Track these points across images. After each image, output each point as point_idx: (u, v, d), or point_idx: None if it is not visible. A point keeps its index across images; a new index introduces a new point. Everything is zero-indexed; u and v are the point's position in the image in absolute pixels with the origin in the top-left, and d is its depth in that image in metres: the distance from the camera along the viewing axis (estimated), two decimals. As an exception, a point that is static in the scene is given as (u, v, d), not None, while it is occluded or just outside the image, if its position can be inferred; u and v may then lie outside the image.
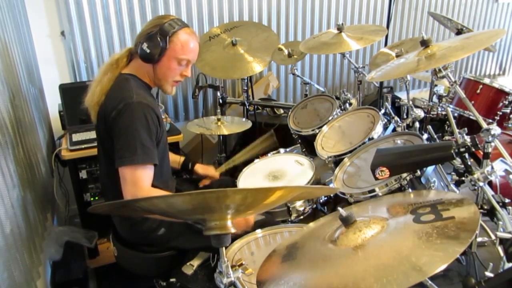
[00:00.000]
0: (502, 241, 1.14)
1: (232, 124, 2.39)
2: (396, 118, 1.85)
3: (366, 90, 3.72)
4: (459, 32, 2.48)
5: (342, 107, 2.10)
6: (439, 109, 2.30)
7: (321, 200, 1.97)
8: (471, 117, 2.41)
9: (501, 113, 2.46)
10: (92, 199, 2.28)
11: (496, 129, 1.17)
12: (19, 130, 1.70)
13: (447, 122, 2.41)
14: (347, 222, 0.93)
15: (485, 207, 1.27)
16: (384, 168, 1.16)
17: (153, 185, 1.46)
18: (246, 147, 2.16)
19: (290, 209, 1.74)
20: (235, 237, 1.45)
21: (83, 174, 2.22)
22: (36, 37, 2.48)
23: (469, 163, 1.23)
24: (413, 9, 3.65)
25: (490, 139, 1.19)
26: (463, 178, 1.27)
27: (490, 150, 1.22)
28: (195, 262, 1.58)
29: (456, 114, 2.50)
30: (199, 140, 2.86)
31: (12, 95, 1.67)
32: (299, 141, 2.13)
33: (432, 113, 2.26)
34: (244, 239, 1.46)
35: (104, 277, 2.30)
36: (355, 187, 1.55)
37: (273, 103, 3.11)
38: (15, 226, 1.40)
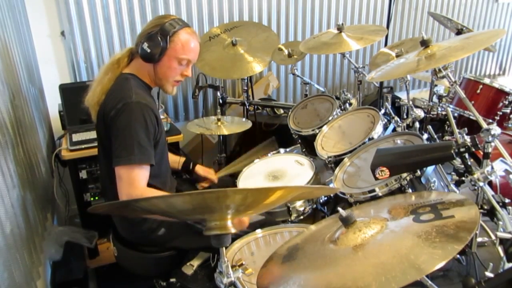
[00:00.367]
0: (502, 241, 1.14)
1: (232, 124, 2.39)
2: (396, 118, 1.85)
3: (366, 90, 3.72)
4: (459, 32, 2.48)
5: (342, 107, 2.10)
6: (439, 109, 2.30)
7: (321, 200, 1.97)
8: (471, 117, 2.41)
9: (501, 113, 2.45)
10: (92, 199, 2.28)
11: (496, 129, 1.17)
12: (19, 130, 1.70)
13: (447, 122, 2.41)
14: (347, 222, 0.94)
15: (485, 207, 1.28)
16: (384, 168, 1.17)
17: (151, 185, 1.46)
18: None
19: (290, 209, 1.73)
20: (235, 237, 1.45)
21: (83, 174, 2.22)
22: (36, 37, 2.48)
23: (469, 163, 1.23)
24: (413, 9, 3.65)
25: (490, 139, 1.19)
26: (463, 178, 1.27)
27: (490, 150, 1.22)
28: (195, 262, 1.58)
29: (456, 114, 2.50)
30: (199, 140, 2.86)
31: (12, 95, 1.67)
32: (299, 141, 2.13)
33: (432, 113, 2.26)
34: (244, 239, 1.46)
35: (104, 277, 2.30)
36: (355, 187, 1.55)
37: (273, 103, 3.11)
38: (15, 226, 1.40)
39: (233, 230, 0.93)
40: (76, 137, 2.22)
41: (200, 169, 1.96)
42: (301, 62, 3.34)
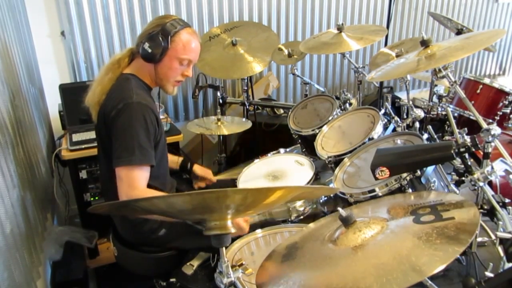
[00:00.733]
0: (502, 241, 1.14)
1: (232, 124, 2.39)
2: (396, 118, 1.85)
3: (366, 90, 3.72)
4: (459, 32, 2.48)
5: (342, 107, 2.10)
6: (439, 109, 2.30)
7: (321, 200, 1.97)
8: (471, 117, 2.40)
9: (501, 113, 2.45)
10: (92, 199, 2.28)
11: (496, 129, 1.17)
12: (19, 130, 1.70)
13: (447, 122, 2.41)
14: (347, 222, 0.93)
15: (485, 207, 1.27)
16: (384, 168, 1.16)
17: (150, 186, 1.46)
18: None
19: (290, 209, 1.73)
20: (235, 237, 1.45)
21: (83, 174, 2.22)
22: (36, 37, 2.48)
23: (469, 163, 1.23)
24: (413, 9, 3.65)
25: (490, 139, 1.19)
26: (463, 178, 1.27)
27: (490, 150, 1.22)
28: (195, 262, 1.58)
29: (456, 114, 2.50)
30: (199, 140, 2.86)
31: (12, 95, 1.67)
32: (299, 141, 2.13)
33: (432, 113, 2.26)
34: (244, 239, 1.46)
35: (104, 277, 2.30)
36: (355, 187, 1.55)
37: (273, 103, 3.11)
38: (15, 226, 1.40)
39: (233, 230, 0.93)
40: (76, 137, 2.22)
41: (198, 169, 1.96)
42: (301, 62, 3.34)
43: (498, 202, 1.25)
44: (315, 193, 1.51)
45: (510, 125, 2.51)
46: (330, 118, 2.00)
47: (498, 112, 2.45)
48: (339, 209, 0.95)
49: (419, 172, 1.43)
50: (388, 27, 3.11)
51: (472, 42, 1.45)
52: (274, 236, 1.48)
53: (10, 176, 1.44)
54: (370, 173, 1.19)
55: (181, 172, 1.97)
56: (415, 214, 0.93)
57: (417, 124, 1.79)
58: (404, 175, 1.42)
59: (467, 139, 1.16)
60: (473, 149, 1.14)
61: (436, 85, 2.44)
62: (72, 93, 2.26)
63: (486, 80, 2.47)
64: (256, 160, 2.01)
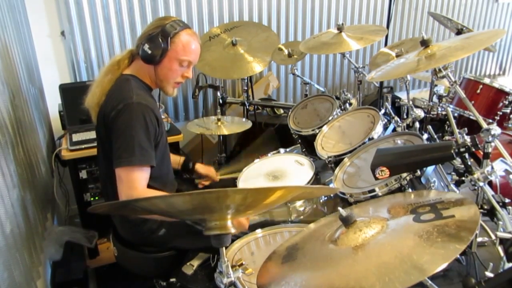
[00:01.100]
0: (502, 241, 1.14)
1: (232, 124, 2.39)
2: (396, 118, 1.85)
3: (366, 90, 3.72)
4: (459, 32, 2.48)
5: (342, 107, 2.10)
6: (439, 109, 2.30)
7: (321, 200, 1.97)
8: (471, 117, 2.40)
9: (501, 113, 2.45)
10: (92, 199, 2.28)
11: (496, 129, 1.17)
12: (19, 130, 1.70)
13: (447, 122, 2.41)
14: (347, 222, 0.93)
15: (485, 207, 1.27)
16: (384, 168, 1.16)
17: (150, 186, 1.46)
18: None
19: (290, 209, 1.73)
20: (235, 237, 1.45)
21: (83, 174, 2.22)
22: (36, 37, 2.48)
23: (469, 163, 1.23)
24: (413, 9, 3.65)
25: (490, 139, 1.19)
26: (463, 178, 1.27)
27: (490, 150, 1.22)
28: (195, 262, 1.58)
29: (456, 114, 2.50)
30: (199, 140, 2.86)
31: (12, 95, 1.67)
32: (299, 141, 2.13)
33: (432, 113, 2.26)
34: (244, 239, 1.46)
35: (104, 277, 2.30)
36: (355, 187, 1.55)
37: (273, 103, 3.11)
38: (15, 226, 1.40)
39: (233, 230, 0.93)
40: (76, 137, 2.22)
41: (201, 168, 1.96)
42: (301, 62, 3.34)
43: (498, 202, 1.25)
44: (315, 193, 1.51)
45: (510, 125, 2.52)
46: (330, 118, 2.00)
47: (498, 112, 2.45)
48: (339, 209, 0.95)
49: (419, 172, 1.43)
50: (388, 27, 3.11)
51: (472, 42, 1.45)
52: (274, 236, 1.48)
53: (10, 176, 1.44)
54: (370, 173, 1.19)
55: (183, 172, 1.97)
56: (415, 212, 0.93)
57: (417, 124, 1.79)
58: (404, 175, 1.42)
59: (467, 139, 1.16)
60: (473, 149, 1.14)
61: (436, 85, 2.44)
62: (72, 93, 2.26)
63: (486, 80, 2.47)
64: (256, 160, 2.01)
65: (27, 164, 1.76)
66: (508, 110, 2.47)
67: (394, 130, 1.85)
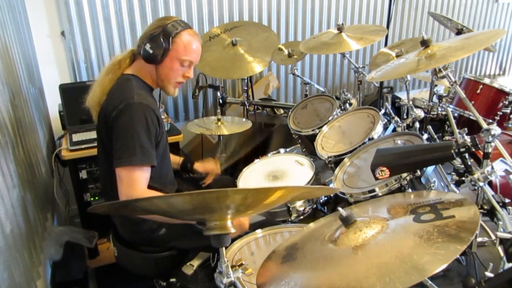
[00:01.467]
0: (502, 241, 1.14)
1: (232, 124, 2.39)
2: (396, 118, 1.85)
3: (366, 90, 3.72)
4: (459, 32, 2.48)
5: (342, 107, 2.10)
6: (439, 109, 2.30)
7: (321, 200, 1.97)
8: (471, 117, 2.41)
9: (501, 113, 2.45)
10: (92, 199, 2.28)
11: (496, 129, 1.17)
12: (19, 130, 1.70)
13: (447, 122, 2.41)
14: (347, 222, 0.93)
15: (485, 207, 1.28)
16: (384, 168, 1.17)
17: (152, 186, 1.46)
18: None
19: (290, 209, 1.73)
20: (235, 237, 1.45)
21: (83, 174, 2.22)
22: (36, 37, 2.48)
23: (469, 163, 1.23)
24: (413, 9, 3.65)
25: (490, 139, 1.19)
26: (463, 178, 1.27)
27: (490, 150, 1.22)
28: (195, 262, 1.58)
29: (456, 114, 2.50)
30: (199, 140, 2.86)
31: (12, 95, 1.67)
32: (299, 141, 2.13)
33: (432, 113, 2.26)
34: (244, 239, 1.46)
35: (104, 277, 2.30)
36: (355, 187, 1.55)
37: (273, 103, 3.11)
38: (15, 226, 1.40)
39: (233, 230, 0.93)
40: (76, 137, 2.22)
41: (199, 167, 1.95)
42: (301, 62, 3.34)
43: (498, 202, 1.25)
44: (315, 193, 1.51)
45: (510, 125, 2.52)
46: (330, 118, 2.00)
47: (498, 112, 2.45)
48: (339, 208, 0.95)
49: (419, 172, 1.43)
50: (388, 27, 3.10)
51: (472, 42, 1.45)
52: (274, 236, 1.48)
53: (10, 176, 1.44)
54: (370, 173, 1.19)
55: (182, 172, 1.97)
56: (415, 213, 0.93)
57: (417, 124, 1.79)
58: (404, 175, 1.42)
59: (467, 139, 1.16)
60: (473, 149, 1.14)
61: (436, 85, 2.44)
62: (72, 93, 2.26)
63: (486, 80, 2.47)
64: (256, 160, 2.01)
65: (27, 164, 1.76)
66: (508, 110, 2.47)
67: (394, 130, 1.85)
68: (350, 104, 2.13)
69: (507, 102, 2.44)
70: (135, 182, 1.39)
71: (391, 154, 1.21)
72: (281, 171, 1.86)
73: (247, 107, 2.72)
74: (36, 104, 2.25)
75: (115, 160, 1.40)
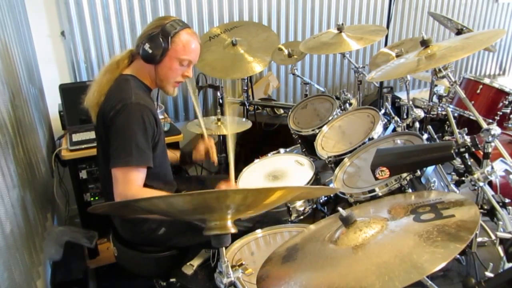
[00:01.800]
0: (502, 241, 1.14)
1: (232, 124, 2.38)
2: (396, 118, 1.85)
3: (366, 90, 3.72)
4: (459, 32, 2.48)
5: (342, 107, 2.10)
6: (439, 109, 2.30)
7: (321, 200, 1.97)
8: (471, 117, 2.40)
9: (501, 113, 2.45)
10: (92, 199, 2.28)
11: (496, 129, 1.17)
12: (19, 130, 1.70)
13: (447, 122, 2.41)
14: (347, 222, 0.93)
15: (485, 207, 1.27)
16: (384, 168, 1.16)
17: (151, 187, 1.46)
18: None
19: (290, 209, 1.73)
20: (235, 237, 1.45)
21: (83, 174, 2.22)
22: (36, 37, 2.48)
23: (469, 163, 1.23)
24: (413, 9, 3.65)
25: (490, 139, 1.19)
26: (463, 178, 1.27)
27: (490, 150, 1.22)
28: (195, 262, 1.58)
29: (456, 114, 2.50)
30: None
31: (12, 95, 1.67)
32: (299, 141, 2.13)
33: (432, 113, 2.26)
34: (244, 239, 1.46)
35: (104, 277, 2.30)
36: (355, 187, 1.55)
37: (273, 103, 3.11)
38: (15, 226, 1.40)
39: (233, 230, 0.93)
40: (76, 137, 2.22)
41: (198, 155, 1.92)
42: (301, 62, 3.34)
43: (498, 202, 1.25)
44: (315, 193, 1.51)
45: (510, 125, 2.51)
46: (330, 118, 2.00)
47: (498, 112, 2.45)
48: (339, 208, 0.95)
49: (419, 172, 1.43)
50: (388, 27, 3.10)
51: (472, 42, 1.45)
52: (274, 236, 1.48)
53: (10, 176, 1.44)
54: (370, 173, 1.19)
55: (183, 165, 1.95)
56: (415, 212, 0.93)
57: (417, 124, 1.79)
58: (404, 175, 1.42)
59: (467, 139, 1.16)
60: (473, 149, 1.14)
61: (436, 85, 2.44)
62: (72, 93, 2.26)
63: (486, 80, 2.47)
64: (256, 160, 2.01)
65: (27, 164, 1.76)
66: (508, 110, 2.47)
67: (394, 130, 1.85)
68: (350, 104, 2.13)
69: (507, 102, 2.44)
70: (131, 183, 1.39)
71: (391, 154, 1.21)
72: (281, 171, 1.86)
73: (247, 107, 2.72)
74: (36, 104, 2.25)
75: (112, 160, 1.40)
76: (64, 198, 2.46)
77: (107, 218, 1.67)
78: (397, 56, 2.38)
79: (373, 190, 1.46)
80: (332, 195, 1.94)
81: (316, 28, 3.30)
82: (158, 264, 1.65)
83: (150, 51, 1.49)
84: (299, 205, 1.75)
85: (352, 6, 3.37)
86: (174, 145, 2.35)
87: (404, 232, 0.87)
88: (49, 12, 2.48)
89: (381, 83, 2.83)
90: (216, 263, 1.29)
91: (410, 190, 1.44)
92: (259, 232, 1.49)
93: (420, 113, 1.77)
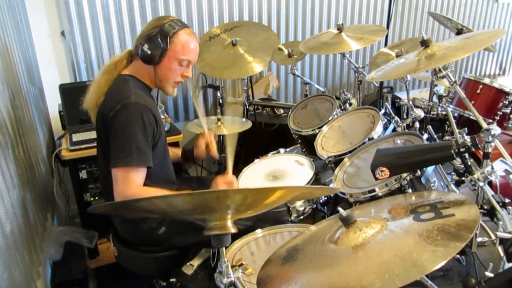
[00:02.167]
0: (502, 241, 1.14)
1: (232, 124, 2.39)
2: (396, 118, 1.85)
3: (366, 90, 3.72)
4: (459, 32, 2.48)
5: (342, 107, 2.10)
6: (439, 109, 2.30)
7: (321, 200, 1.97)
8: (471, 117, 2.40)
9: (501, 113, 2.45)
10: (92, 199, 2.28)
11: (496, 129, 1.17)
12: (19, 130, 1.70)
13: (447, 122, 2.41)
14: (347, 222, 0.94)
15: (485, 207, 1.27)
16: (384, 168, 1.16)
17: (152, 186, 1.46)
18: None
19: (290, 209, 1.73)
20: (235, 237, 1.45)
21: (83, 174, 2.22)
22: (36, 37, 2.48)
23: (469, 163, 1.23)
24: (413, 9, 3.65)
25: (490, 139, 1.19)
26: (463, 178, 1.27)
27: (490, 150, 1.22)
28: (195, 262, 1.58)
29: (456, 114, 2.50)
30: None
31: (12, 95, 1.67)
32: (299, 141, 2.13)
33: (432, 113, 2.26)
34: (244, 239, 1.46)
35: (104, 277, 2.30)
36: (355, 187, 1.55)
37: (273, 103, 3.11)
38: (15, 226, 1.40)
39: (233, 230, 0.93)
40: (76, 137, 2.22)
41: (199, 151, 1.91)
42: (301, 62, 3.34)
43: (498, 202, 1.24)
44: (315, 193, 1.51)
45: (510, 125, 2.51)
46: (330, 118, 2.00)
47: (498, 112, 2.45)
48: (339, 208, 0.95)
49: (419, 172, 1.43)
50: (388, 27, 3.11)
51: (472, 42, 1.45)
52: (274, 236, 1.48)
53: (10, 176, 1.44)
54: (370, 173, 1.19)
55: (185, 162, 1.95)
56: (414, 212, 0.93)
57: (417, 124, 1.79)
58: (404, 175, 1.42)
59: (467, 139, 1.16)
60: (473, 149, 1.14)
61: (436, 85, 2.44)
62: (72, 93, 2.26)
63: (486, 80, 2.47)
64: (256, 160, 2.01)
65: (27, 164, 1.76)
66: (508, 110, 2.47)
67: (394, 130, 1.85)
68: (350, 104, 2.13)
69: (507, 102, 2.44)
70: (131, 183, 1.39)
71: (391, 154, 1.21)
72: (281, 171, 1.86)
73: (247, 107, 2.72)
74: (36, 104, 2.25)
75: (111, 160, 1.40)
76: (64, 198, 2.46)
77: (107, 218, 1.67)
78: (397, 56, 2.38)
79: (373, 190, 1.46)
80: (332, 195, 1.94)
81: (316, 28, 3.30)
82: (158, 264, 1.65)
83: (149, 52, 1.48)
84: (299, 205, 1.75)
85: (352, 6, 3.37)
86: (174, 145, 2.35)
87: (404, 231, 0.87)
88: (49, 12, 2.48)
89: (381, 83, 2.83)
90: (216, 263, 1.29)
91: (410, 190, 1.44)
92: (259, 232, 1.49)
93: (420, 113, 1.77)
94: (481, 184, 1.21)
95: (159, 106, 2.39)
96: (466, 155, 1.19)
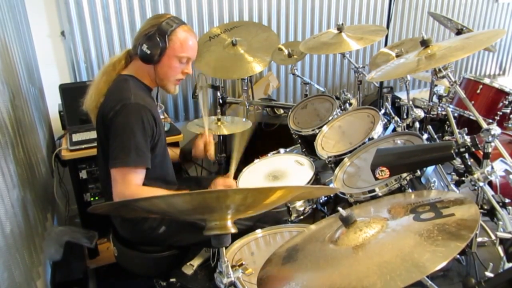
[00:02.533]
0: (502, 241, 1.14)
1: (232, 124, 2.38)
2: (396, 118, 1.85)
3: (366, 90, 3.72)
4: (459, 32, 2.48)
5: (342, 107, 2.10)
6: (439, 109, 2.30)
7: (321, 200, 1.97)
8: (471, 117, 2.40)
9: (501, 113, 2.45)
10: (92, 199, 2.28)
11: (496, 129, 1.17)
12: (19, 130, 1.70)
13: (447, 122, 2.41)
14: (347, 222, 0.93)
15: (485, 207, 1.27)
16: (384, 168, 1.16)
17: (152, 186, 1.46)
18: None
19: (290, 209, 1.73)
20: (235, 237, 1.45)
21: (83, 174, 2.22)
22: (36, 37, 2.48)
23: (469, 163, 1.23)
24: (413, 9, 3.65)
25: (490, 139, 1.19)
26: (463, 178, 1.27)
27: (490, 150, 1.22)
28: (195, 262, 1.58)
29: (456, 114, 2.50)
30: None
31: (12, 95, 1.67)
32: (299, 141, 2.13)
33: (432, 113, 2.26)
34: (244, 239, 1.46)
35: (104, 277, 2.30)
36: (355, 187, 1.55)
37: (273, 103, 3.11)
38: (15, 226, 1.40)
39: (233, 230, 0.93)
40: (76, 137, 2.22)
41: (197, 152, 1.91)
42: (301, 62, 3.34)
43: (498, 202, 1.25)
44: (315, 193, 1.51)
45: (510, 125, 2.51)
46: (330, 118, 2.00)
47: (498, 112, 2.45)
48: (339, 208, 0.95)
49: (419, 172, 1.43)
50: (388, 27, 3.10)
51: (472, 42, 1.45)
52: (274, 236, 1.48)
53: (10, 176, 1.44)
54: (370, 173, 1.19)
55: (183, 162, 1.95)
56: (414, 212, 0.93)
57: (417, 124, 1.79)
58: (404, 175, 1.42)
59: (467, 139, 1.16)
60: (473, 149, 1.14)
61: (436, 85, 2.44)
62: (72, 93, 2.26)
63: (486, 80, 2.47)
64: (256, 160, 2.01)
65: (27, 164, 1.76)
66: (508, 110, 2.47)
67: (394, 130, 1.85)
68: (350, 104, 2.13)
69: (507, 102, 2.44)
70: (129, 183, 1.39)
71: (391, 154, 1.20)
72: (281, 171, 1.86)
73: (247, 107, 2.72)
74: (36, 104, 2.25)
75: (110, 160, 1.40)
76: (64, 198, 2.46)
77: (107, 218, 1.67)
78: (397, 56, 2.38)
79: (373, 190, 1.46)
80: (332, 195, 1.94)
81: (316, 28, 3.30)
82: (158, 264, 1.65)
83: (148, 52, 1.48)
84: (299, 205, 1.75)
85: (352, 6, 3.37)
86: (174, 145, 2.35)
87: (404, 231, 0.87)
88: (49, 12, 2.48)
89: (381, 83, 2.83)
90: (216, 263, 1.29)
91: (410, 190, 1.44)
92: (259, 232, 1.49)
93: (420, 113, 1.77)
94: (481, 184, 1.21)
95: (159, 106, 2.39)
96: (466, 155, 1.19)
